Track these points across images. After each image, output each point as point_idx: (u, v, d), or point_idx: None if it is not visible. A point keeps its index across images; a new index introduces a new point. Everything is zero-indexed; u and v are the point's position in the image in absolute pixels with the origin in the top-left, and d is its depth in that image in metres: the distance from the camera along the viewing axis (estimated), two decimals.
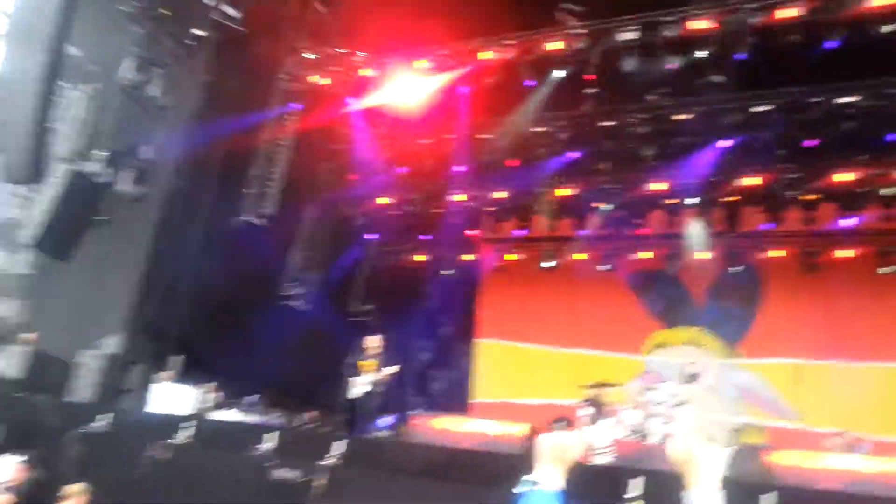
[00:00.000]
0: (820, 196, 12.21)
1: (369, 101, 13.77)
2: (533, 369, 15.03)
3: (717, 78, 11.45)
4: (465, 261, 16.06)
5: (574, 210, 14.23)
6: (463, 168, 14.71)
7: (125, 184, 11.96)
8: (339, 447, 7.24)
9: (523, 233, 14.79)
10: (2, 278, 17.20)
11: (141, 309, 12.11)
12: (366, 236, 16.52)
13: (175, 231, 12.90)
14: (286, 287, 14.42)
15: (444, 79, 12.73)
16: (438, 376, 16.25)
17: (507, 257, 15.47)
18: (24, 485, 7.36)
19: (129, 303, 12.16)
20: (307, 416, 12.72)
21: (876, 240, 12.50)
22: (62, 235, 11.70)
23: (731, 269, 13.32)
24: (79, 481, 7.09)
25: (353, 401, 9.75)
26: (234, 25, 13.09)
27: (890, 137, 11.42)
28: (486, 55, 12.20)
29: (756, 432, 12.90)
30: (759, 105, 11.73)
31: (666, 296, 14.50)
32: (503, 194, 14.38)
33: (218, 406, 10.98)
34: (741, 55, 10.98)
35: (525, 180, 14.19)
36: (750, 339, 13.63)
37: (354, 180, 15.95)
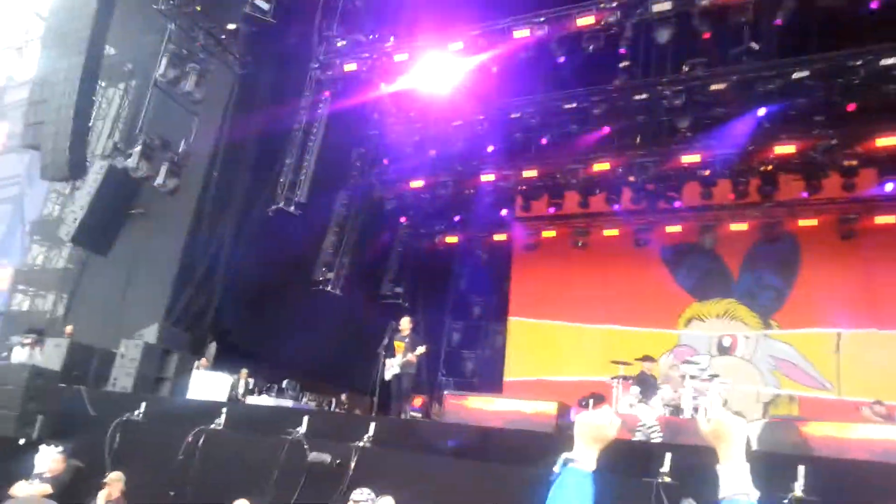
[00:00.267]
0: (857, 163, 11.75)
1: (400, 84, 13.72)
2: (565, 346, 15.02)
3: (753, 45, 11.08)
4: (496, 241, 16.00)
5: (607, 185, 14.01)
6: (494, 148, 14.62)
7: (161, 177, 12.18)
8: (372, 428, 7.29)
9: (554, 210, 14.62)
10: (42, 273, 17.89)
11: (177, 299, 12.37)
12: (398, 219, 16.57)
13: (210, 221, 13.12)
14: (319, 272, 14.56)
15: (476, 60, 12.58)
16: (471, 356, 16.32)
17: (543, 234, 15.38)
18: (64, 474, 7.62)
19: (165, 293, 12.44)
20: (341, 398, 12.91)
21: None
22: (100, 230, 12.02)
23: (767, 240, 12.99)
24: (117, 470, 7.32)
25: (387, 382, 9.85)
26: (265, 17, 13.18)
27: None
28: (523, 33, 11.99)
29: (790, 403, 12.69)
30: (798, 71, 11.31)
31: (699, 269, 14.30)
32: (533, 173, 14.21)
33: (253, 391, 11.20)
34: (777, 20, 10.59)
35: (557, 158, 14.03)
36: (785, 310, 13.38)
37: (386, 164, 16.01)
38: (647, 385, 9.43)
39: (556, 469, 1.69)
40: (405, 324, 10.09)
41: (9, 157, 20.29)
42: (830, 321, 12.35)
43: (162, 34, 12.73)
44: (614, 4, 11.33)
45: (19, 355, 11.08)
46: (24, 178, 19.93)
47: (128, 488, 7.14)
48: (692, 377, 8.72)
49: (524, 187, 14.76)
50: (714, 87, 12.07)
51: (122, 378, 10.03)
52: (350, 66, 13.73)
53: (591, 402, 10.04)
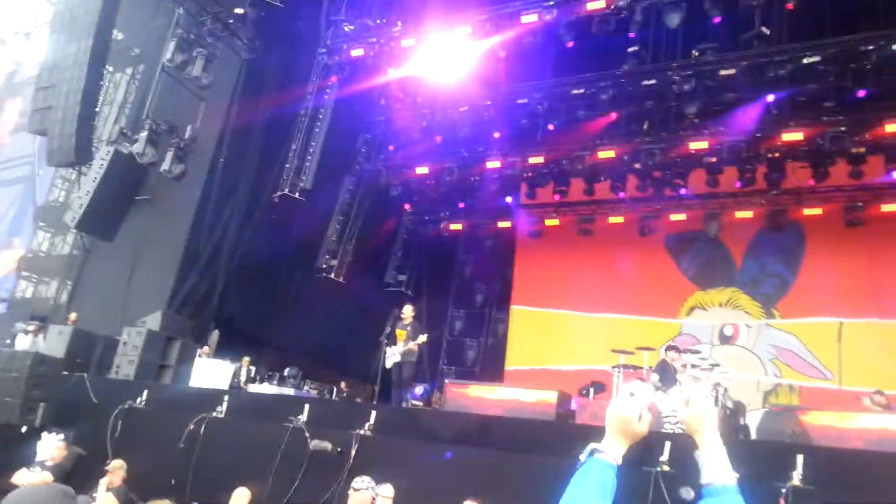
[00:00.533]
0: (865, 150, 11.60)
1: (408, 70, 13.63)
2: (567, 335, 14.97)
3: (764, 30, 10.92)
4: (500, 228, 15.95)
5: (613, 172, 13.90)
6: (500, 134, 14.53)
7: (167, 163, 12.18)
8: (373, 416, 7.31)
9: (559, 198, 14.54)
10: (46, 259, 17.97)
11: (181, 285, 12.41)
12: (403, 206, 16.54)
13: (215, 207, 13.13)
14: (323, 259, 14.56)
15: (484, 45, 12.47)
16: (473, 344, 16.33)
17: (548, 222, 15.30)
18: (65, 461, 7.67)
19: (169, 280, 12.48)
20: (343, 385, 12.96)
21: None
22: (105, 216, 12.05)
23: (772, 228, 12.88)
24: (119, 457, 7.35)
25: (389, 370, 9.86)
26: (273, 1, 13.11)
27: None
28: (531, 17, 11.85)
29: (791, 393, 12.64)
30: (809, 56, 11.14)
31: (703, 257, 14.21)
32: (539, 159, 14.11)
33: (255, 379, 11.23)
34: (789, 4, 10.44)
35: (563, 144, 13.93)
36: (788, 299, 13.29)
37: (392, 150, 15.95)
38: (667, 373, 9.34)
39: (581, 458, 1.65)
40: (407, 312, 10.08)
41: (21, 136, 19.86)
42: (833, 310, 12.23)
43: (170, 18, 12.73)
44: None
45: (23, 342, 11.15)
46: (35, 159, 19.80)
47: (129, 476, 7.16)
48: (693, 366, 8.67)
49: (530, 174, 14.66)
50: (724, 72, 11.93)
51: (125, 365, 10.06)
52: (357, 52, 13.65)
53: (591, 391, 10.01)
